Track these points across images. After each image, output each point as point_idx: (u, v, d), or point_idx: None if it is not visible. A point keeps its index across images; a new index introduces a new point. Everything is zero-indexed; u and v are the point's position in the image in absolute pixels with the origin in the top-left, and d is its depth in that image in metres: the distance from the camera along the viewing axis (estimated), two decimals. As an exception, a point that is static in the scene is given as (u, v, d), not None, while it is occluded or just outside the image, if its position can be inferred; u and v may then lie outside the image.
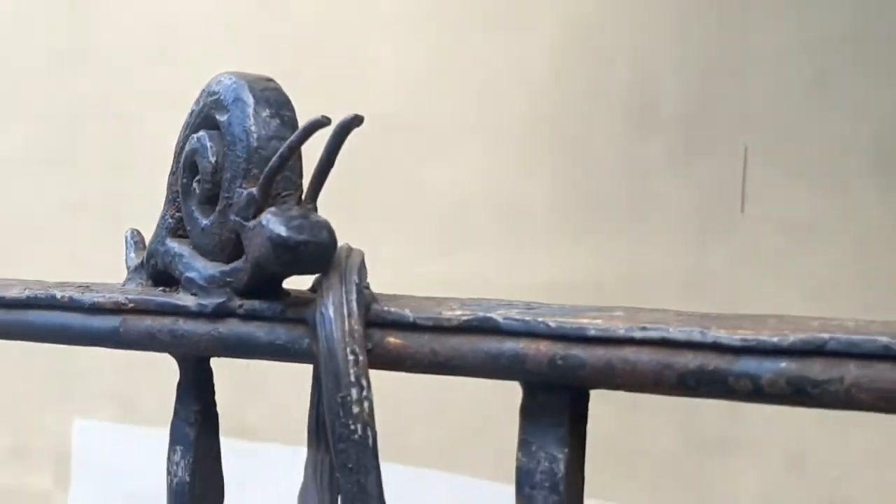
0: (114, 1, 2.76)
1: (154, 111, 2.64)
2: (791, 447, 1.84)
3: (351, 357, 0.43)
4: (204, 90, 0.51)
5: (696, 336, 0.39)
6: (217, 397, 0.57)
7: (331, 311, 0.44)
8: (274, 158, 0.46)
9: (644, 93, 2.07)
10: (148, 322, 0.51)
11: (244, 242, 0.47)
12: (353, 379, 0.43)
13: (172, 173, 0.54)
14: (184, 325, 0.50)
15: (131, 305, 0.51)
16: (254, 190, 0.46)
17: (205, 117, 0.51)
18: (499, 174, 2.24)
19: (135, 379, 2.62)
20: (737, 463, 2.03)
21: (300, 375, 0.52)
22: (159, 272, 0.54)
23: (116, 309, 0.52)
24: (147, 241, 0.57)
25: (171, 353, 0.52)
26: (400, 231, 2.03)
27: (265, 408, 1.93)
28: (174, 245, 0.52)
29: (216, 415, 0.54)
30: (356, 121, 0.45)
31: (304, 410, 0.50)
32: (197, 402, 0.54)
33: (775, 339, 0.38)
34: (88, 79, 2.76)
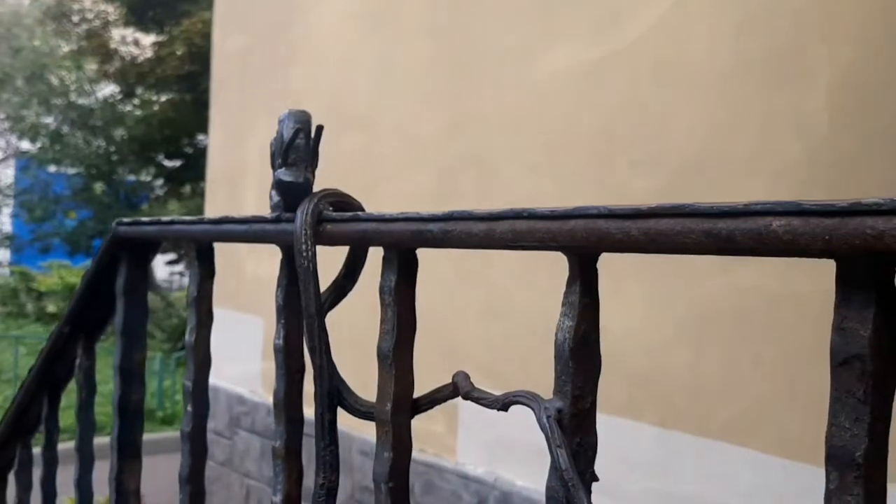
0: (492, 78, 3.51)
1: (512, 165, 3.32)
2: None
3: (304, 231, 0.97)
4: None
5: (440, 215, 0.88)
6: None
7: (299, 213, 0.98)
8: (285, 143, 1.01)
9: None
10: (256, 226, 1.08)
11: (278, 186, 1.02)
12: (303, 241, 0.97)
13: (273, 156, 1.10)
14: (267, 226, 1.06)
15: (251, 218, 1.09)
16: (280, 160, 1.01)
17: (276, 130, 1.07)
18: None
19: (500, 355, 3.31)
20: None
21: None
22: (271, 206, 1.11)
23: (245, 221, 1.10)
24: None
25: (272, 242, 1.08)
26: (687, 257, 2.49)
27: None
28: (271, 191, 1.09)
29: (297, 279, 1.10)
30: (321, 128, 0.99)
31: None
32: (288, 268, 1.10)
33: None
34: (465, 141, 3.55)
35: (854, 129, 2.43)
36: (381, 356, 0.94)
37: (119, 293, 1.38)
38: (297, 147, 1.02)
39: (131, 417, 1.38)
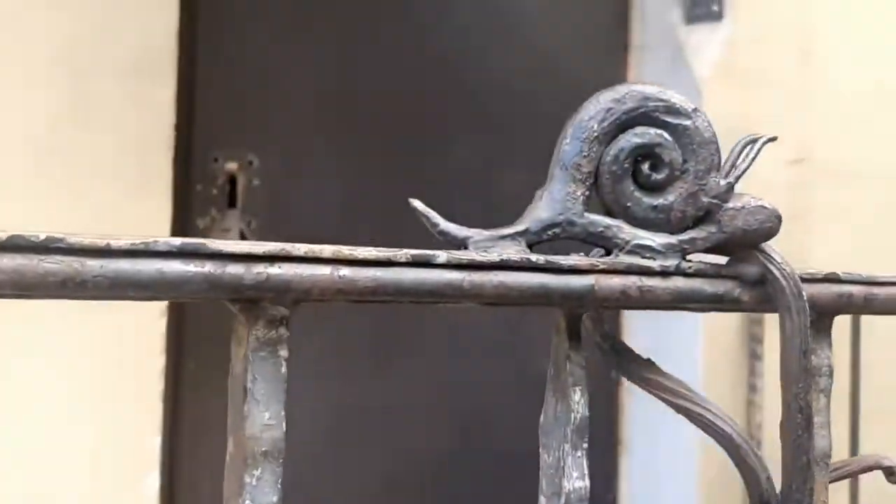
0: None
1: None
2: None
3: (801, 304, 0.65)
4: (630, 96, 0.63)
5: None
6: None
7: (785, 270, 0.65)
8: (746, 164, 0.64)
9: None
10: (616, 280, 0.61)
11: (720, 218, 0.63)
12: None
13: (584, 157, 0.63)
14: (648, 281, 0.62)
15: (602, 267, 0.61)
16: (732, 181, 0.63)
17: (640, 116, 0.63)
18: None
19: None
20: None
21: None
22: (549, 239, 0.63)
23: (590, 269, 0.60)
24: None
25: (639, 307, 0.62)
26: None
27: None
28: (602, 219, 0.63)
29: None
30: (771, 139, 0.66)
31: None
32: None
33: None
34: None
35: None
36: None
37: None
38: (732, 163, 0.64)
39: None
